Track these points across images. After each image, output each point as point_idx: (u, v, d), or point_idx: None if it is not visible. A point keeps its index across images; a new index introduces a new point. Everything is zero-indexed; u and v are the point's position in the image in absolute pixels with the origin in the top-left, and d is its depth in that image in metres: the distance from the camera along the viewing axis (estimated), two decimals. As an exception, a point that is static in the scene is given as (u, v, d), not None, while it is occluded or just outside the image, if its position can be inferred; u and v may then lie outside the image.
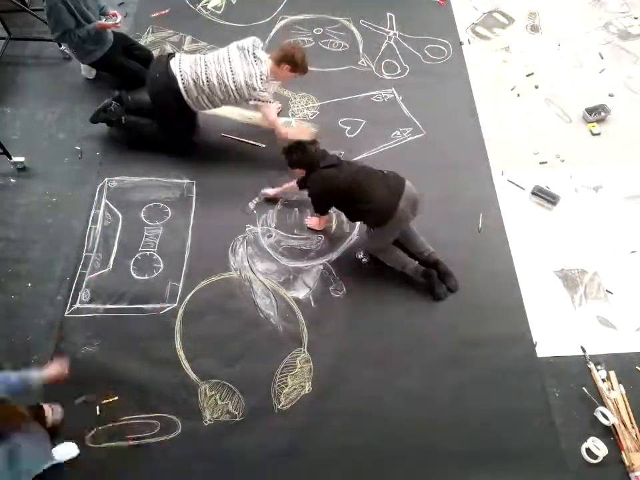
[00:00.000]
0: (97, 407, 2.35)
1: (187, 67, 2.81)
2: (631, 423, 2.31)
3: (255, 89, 2.75)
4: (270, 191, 2.98)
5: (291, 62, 2.74)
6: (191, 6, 3.90)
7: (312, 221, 2.90)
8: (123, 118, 3.04)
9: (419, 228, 2.72)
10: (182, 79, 2.79)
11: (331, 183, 2.48)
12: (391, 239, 2.62)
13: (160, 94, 2.86)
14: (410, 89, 3.48)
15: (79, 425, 2.31)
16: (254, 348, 2.52)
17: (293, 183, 2.85)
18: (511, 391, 2.42)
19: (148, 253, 2.81)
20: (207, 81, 2.77)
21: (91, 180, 3.05)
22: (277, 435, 2.31)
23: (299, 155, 2.56)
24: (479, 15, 3.95)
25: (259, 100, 2.80)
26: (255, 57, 2.76)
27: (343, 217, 2.93)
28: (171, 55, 2.89)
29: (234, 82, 2.74)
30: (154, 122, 3.03)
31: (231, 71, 2.74)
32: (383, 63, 3.64)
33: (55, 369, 2.03)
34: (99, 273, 2.73)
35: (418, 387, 2.43)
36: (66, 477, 2.21)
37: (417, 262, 2.68)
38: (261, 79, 2.74)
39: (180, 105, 2.87)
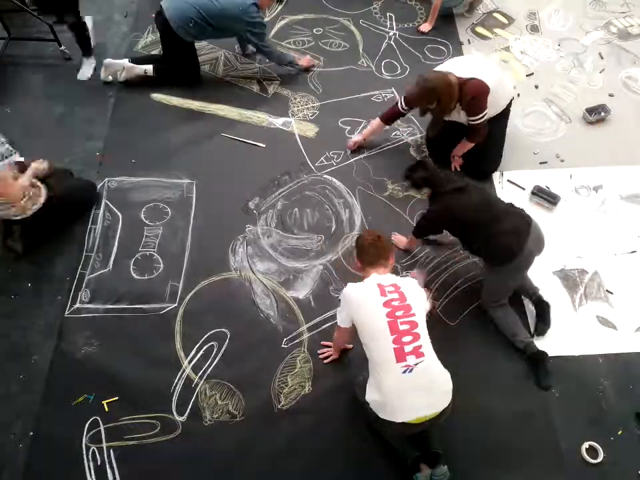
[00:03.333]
0: (105, 404, 2.35)
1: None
2: None
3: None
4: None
5: None
6: (191, 6, 3.90)
7: (399, 237, 2.81)
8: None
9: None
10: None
11: (459, 209, 2.33)
12: (513, 283, 2.48)
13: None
14: (410, 89, 3.48)
15: (79, 425, 2.31)
16: (254, 348, 2.52)
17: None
18: (511, 391, 2.42)
19: (148, 253, 2.81)
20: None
21: (90, 180, 3.05)
22: (277, 435, 2.31)
23: (422, 173, 2.45)
24: (479, 14, 3.95)
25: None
26: None
27: (343, 216, 2.94)
28: None
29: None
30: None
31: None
32: (382, 63, 3.64)
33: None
34: (99, 273, 2.73)
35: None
36: (65, 476, 2.22)
37: (530, 338, 2.49)
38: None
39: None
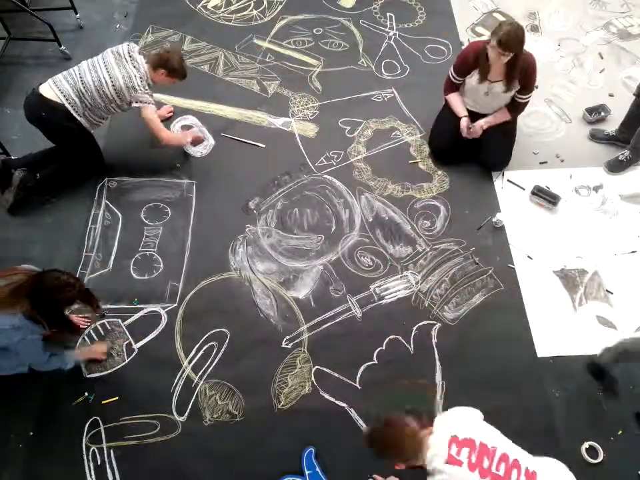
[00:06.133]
0: (105, 404, 2.35)
1: (65, 85, 2.66)
2: None
3: (135, 90, 2.67)
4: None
5: (166, 67, 2.71)
6: (191, 6, 3.90)
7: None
8: (37, 175, 2.86)
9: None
10: (67, 100, 2.65)
11: None
12: None
13: (54, 126, 2.73)
14: (410, 89, 3.48)
15: (79, 425, 2.31)
16: (254, 348, 2.52)
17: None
18: (511, 391, 2.42)
19: (148, 253, 2.81)
20: (86, 91, 2.65)
21: (91, 180, 3.05)
22: (277, 435, 2.31)
23: None
24: (478, 14, 3.95)
25: (140, 101, 2.71)
26: (131, 59, 2.68)
27: (343, 216, 2.94)
28: (36, 88, 2.69)
29: (114, 87, 2.65)
30: (62, 160, 2.90)
31: (109, 76, 2.65)
32: (382, 63, 3.64)
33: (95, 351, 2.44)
34: (99, 273, 2.73)
35: (418, 387, 2.43)
36: (65, 476, 2.22)
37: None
38: (141, 79, 2.67)
39: (76, 126, 2.72)
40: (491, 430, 1.78)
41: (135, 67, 2.68)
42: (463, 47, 2.86)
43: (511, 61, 2.62)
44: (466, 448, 1.66)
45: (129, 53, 2.71)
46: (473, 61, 2.77)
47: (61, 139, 2.83)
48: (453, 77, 2.92)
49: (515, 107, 2.90)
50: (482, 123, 2.93)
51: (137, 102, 2.73)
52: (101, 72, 2.67)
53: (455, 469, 1.64)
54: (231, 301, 2.65)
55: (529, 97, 2.84)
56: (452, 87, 2.98)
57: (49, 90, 2.67)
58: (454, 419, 1.78)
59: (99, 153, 3.00)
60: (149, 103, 2.76)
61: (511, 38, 2.52)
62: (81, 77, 2.68)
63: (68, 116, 2.69)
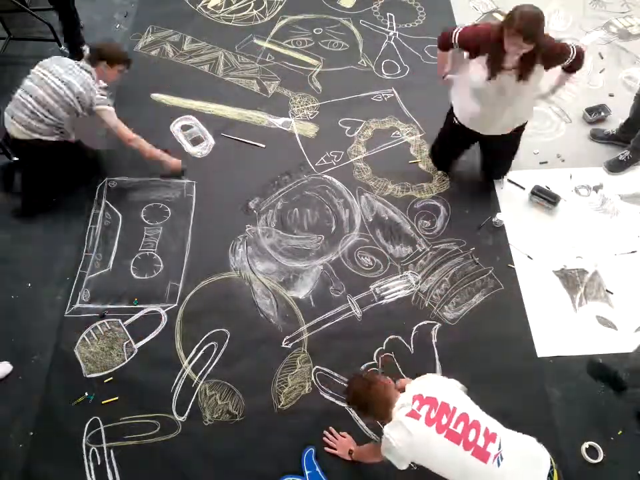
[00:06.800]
0: (105, 404, 2.35)
1: (21, 116, 2.61)
2: None
3: (93, 91, 2.64)
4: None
5: (102, 57, 2.69)
6: (191, 6, 3.91)
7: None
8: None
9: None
10: (32, 131, 2.62)
11: None
12: None
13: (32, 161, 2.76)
14: (410, 88, 3.48)
15: (79, 425, 2.31)
16: (254, 348, 2.52)
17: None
18: (511, 391, 2.42)
19: (148, 253, 2.81)
20: (43, 107, 2.59)
21: (91, 180, 3.05)
22: (277, 435, 2.31)
23: None
24: (478, 14, 3.95)
25: (99, 104, 2.68)
26: (77, 65, 2.67)
27: (343, 216, 2.94)
28: None
29: (71, 91, 2.60)
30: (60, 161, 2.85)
31: (63, 83, 2.60)
32: (382, 63, 3.64)
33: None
34: (99, 273, 2.73)
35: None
36: (65, 476, 2.22)
37: None
38: (93, 79, 2.66)
39: (47, 146, 2.69)
40: (458, 394, 1.86)
41: (83, 68, 2.67)
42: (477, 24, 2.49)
43: (531, 51, 2.24)
44: (427, 405, 1.76)
45: (73, 62, 2.69)
46: (479, 43, 2.36)
47: (45, 163, 2.78)
48: (455, 42, 2.43)
49: (574, 64, 2.48)
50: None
51: (97, 104, 2.68)
52: (53, 82, 2.61)
53: (413, 421, 1.73)
54: (231, 301, 2.65)
55: (573, 55, 2.45)
56: (446, 45, 2.51)
57: (12, 128, 2.64)
58: (425, 383, 1.88)
59: (88, 157, 3.01)
60: (108, 105, 2.73)
61: (531, 25, 2.21)
62: (32, 96, 2.60)
63: (37, 143, 2.64)
